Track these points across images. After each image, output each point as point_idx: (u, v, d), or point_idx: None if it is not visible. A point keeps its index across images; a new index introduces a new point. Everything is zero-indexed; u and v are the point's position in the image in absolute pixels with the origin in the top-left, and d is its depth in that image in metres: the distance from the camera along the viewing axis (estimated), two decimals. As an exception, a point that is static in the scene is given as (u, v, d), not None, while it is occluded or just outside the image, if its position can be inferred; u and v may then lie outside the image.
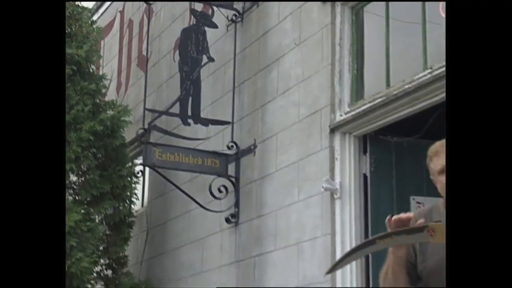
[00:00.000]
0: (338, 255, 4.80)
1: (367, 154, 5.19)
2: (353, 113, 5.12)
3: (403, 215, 2.98)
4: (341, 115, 5.22)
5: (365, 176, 5.15)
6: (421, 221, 2.96)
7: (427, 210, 3.25)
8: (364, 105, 5.06)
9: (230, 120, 6.20)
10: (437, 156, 3.11)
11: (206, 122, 6.37)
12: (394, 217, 2.98)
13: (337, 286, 4.92)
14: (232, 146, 6.14)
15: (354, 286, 4.91)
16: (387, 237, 3.09)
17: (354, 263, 4.84)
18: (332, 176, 5.13)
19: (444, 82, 4.45)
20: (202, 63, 6.49)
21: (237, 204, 6.07)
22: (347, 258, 3.25)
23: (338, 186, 5.09)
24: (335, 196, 5.10)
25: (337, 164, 5.16)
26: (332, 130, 5.22)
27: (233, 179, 6.12)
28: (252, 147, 6.02)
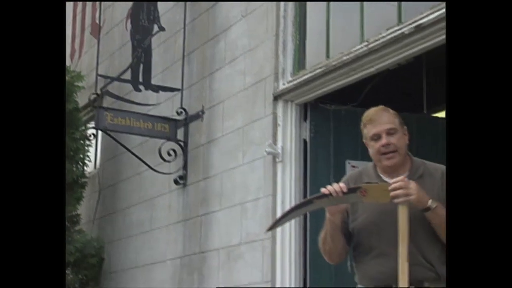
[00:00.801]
0: (279, 214, 4.85)
1: (307, 121, 5.23)
2: (295, 82, 5.17)
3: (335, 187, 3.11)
4: (284, 84, 5.27)
5: (305, 142, 5.20)
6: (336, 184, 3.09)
7: (358, 172, 3.36)
8: (305, 75, 5.11)
9: (179, 87, 6.20)
10: (370, 124, 3.22)
11: (157, 88, 6.37)
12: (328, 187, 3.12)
13: (277, 242, 5.02)
14: (181, 112, 6.16)
15: (293, 241, 5.00)
16: (323, 197, 3.21)
17: (293, 221, 4.96)
18: (275, 141, 5.19)
19: (379, 54, 4.59)
20: (153, 32, 6.47)
21: (185, 167, 6.11)
22: (286, 216, 3.38)
23: (280, 151, 5.16)
24: (277, 160, 5.17)
25: (279, 130, 5.22)
26: (275, 98, 5.28)
27: (182, 143, 6.15)
28: (200, 113, 6.05)
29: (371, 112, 3.26)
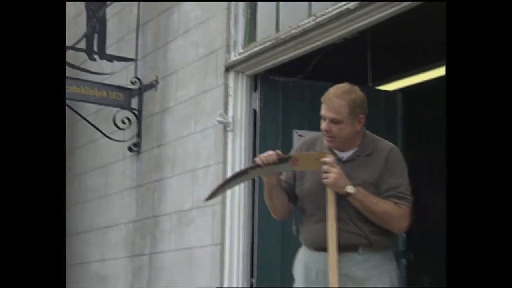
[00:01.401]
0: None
1: (257, 92, 5.26)
2: (245, 54, 5.20)
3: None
4: (235, 56, 5.30)
5: (254, 111, 5.25)
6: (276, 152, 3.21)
7: (313, 139, 3.42)
8: (255, 47, 5.14)
9: (134, 57, 6.19)
10: (323, 103, 3.27)
11: (111, 58, 6.34)
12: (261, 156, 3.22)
13: (227, 207, 5.09)
14: (135, 82, 6.15)
15: (242, 207, 5.09)
16: (257, 167, 3.31)
17: (242, 187, 5.04)
18: (226, 111, 5.23)
19: (325, 28, 4.65)
20: (108, 3, 6.42)
21: (139, 135, 6.12)
22: (223, 186, 3.45)
23: (230, 120, 5.21)
24: (227, 129, 5.22)
25: (230, 100, 5.26)
26: (227, 69, 5.30)
27: (136, 112, 6.15)
28: (154, 82, 6.06)
29: (330, 93, 3.26)
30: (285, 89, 5.29)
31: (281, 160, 3.22)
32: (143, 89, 6.17)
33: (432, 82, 6.71)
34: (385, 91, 5.92)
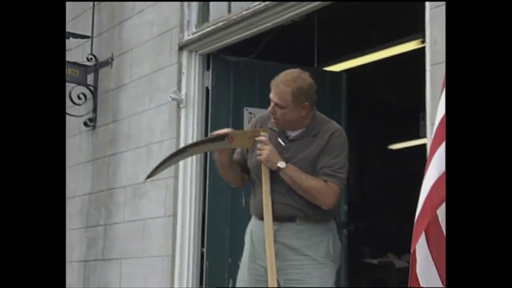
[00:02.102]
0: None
1: (210, 70, 5.29)
2: (199, 34, 5.23)
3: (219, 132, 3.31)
4: (188, 35, 5.32)
5: (207, 89, 5.28)
6: (224, 130, 3.31)
7: (267, 116, 3.47)
8: (208, 27, 5.18)
9: (90, 34, 6.16)
10: (272, 87, 3.35)
11: (68, 35, 6.26)
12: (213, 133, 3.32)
13: (179, 180, 5.14)
14: (91, 58, 6.13)
15: (194, 180, 5.14)
16: (195, 145, 3.39)
17: (194, 161, 5.09)
18: (179, 88, 5.25)
19: (274, 10, 4.70)
20: (65, -19, 6.37)
21: (94, 110, 6.10)
22: (163, 164, 3.47)
23: (184, 97, 5.23)
24: (181, 106, 5.24)
25: (184, 78, 5.28)
26: (181, 48, 5.32)
27: (92, 88, 6.13)
28: (110, 60, 6.04)
29: (279, 78, 3.30)
30: (236, 68, 5.33)
31: (218, 138, 3.30)
32: (98, 66, 6.14)
33: (374, 64, 6.84)
34: (330, 72, 6.02)
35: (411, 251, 2.42)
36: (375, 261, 7.09)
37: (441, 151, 2.37)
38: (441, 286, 2.43)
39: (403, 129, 8.18)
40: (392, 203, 8.34)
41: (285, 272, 3.27)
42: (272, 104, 3.28)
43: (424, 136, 3.71)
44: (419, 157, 3.88)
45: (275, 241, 3.22)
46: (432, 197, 2.34)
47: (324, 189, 3.24)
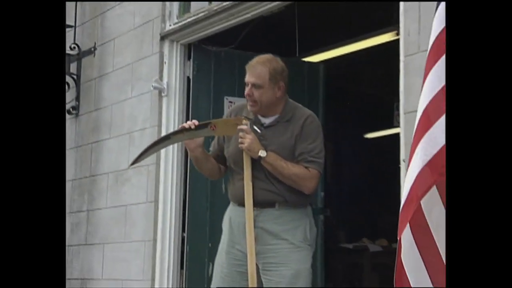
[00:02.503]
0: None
1: (191, 60, 5.30)
2: (180, 24, 5.24)
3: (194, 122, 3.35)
4: (170, 25, 5.33)
5: (188, 79, 5.29)
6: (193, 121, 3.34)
7: (240, 106, 3.58)
8: (189, 17, 5.18)
9: (73, 24, 6.14)
10: (247, 71, 3.43)
11: (51, 24, 6.26)
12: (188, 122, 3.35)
13: (161, 167, 5.15)
14: (74, 47, 6.11)
15: (175, 167, 5.16)
16: (179, 133, 3.42)
17: (175, 149, 5.12)
18: (161, 77, 5.26)
19: (254, 1, 4.72)
20: (48, -29, 6.32)
21: (77, 98, 6.10)
22: (147, 151, 3.51)
23: (165, 86, 5.24)
24: (162, 94, 5.25)
25: (165, 67, 5.29)
26: (162, 38, 5.33)
27: (75, 76, 6.12)
28: (92, 49, 6.04)
29: (254, 61, 3.43)
30: (217, 58, 5.35)
31: (200, 126, 3.34)
32: (81, 55, 6.13)
33: (351, 55, 6.89)
34: (309, 62, 6.06)
35: (398, 239, 2.45)
36: (350, 246, 7.17)
37: (424, 141, 2.37)
38: (426, 273, 2.45)
39: (379, 119, 8.26)
40: (367, 190, 8.42)
41: (264, 255, 3.33)
42: (249, 86, 3.35)
43: (398, 126, 3.76)
44: (393, 146, 3.94)
45: (255, 226, 3.28)
46: (417, 186, 2.35)
47: (305, 175, 3.32)
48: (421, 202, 2.40)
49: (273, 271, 3.32)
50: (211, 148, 3.59)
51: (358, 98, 8.49)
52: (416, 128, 2.42)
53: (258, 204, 3.31)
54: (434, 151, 2.31)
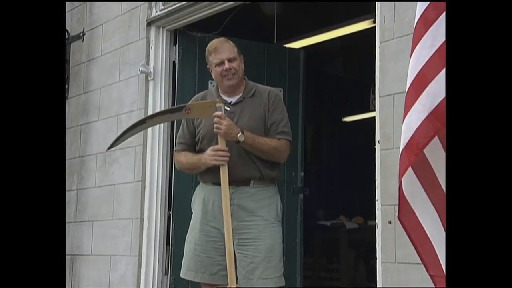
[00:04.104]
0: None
1: (176, 45, 5.28)
2: (166, 10, 5.21)
3: None
4: (156, 12, 5.30)
5: (174, 63, 5.27)
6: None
7: (204, 93, 3.65)
8: (175, 4, 5.15)
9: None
10: (214, 52, 3.47)
11: (41, 10, 6.20)
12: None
13: (148, 148, 5.13)
14: (64, 33, 6.09)
15: (161, 148, 5.14)
16: (154, 116, 3.40)
17: (162, 130, 5.09)
18: (148, 62, 5.24)
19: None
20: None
21: (67, 81, 6.06)
22: (124, 135, 3.46)
23: (152, 70, 5.22)
24: (149, 78, 5.23)
25: (152, 52, 5.27)
26: (149, 24, 5.31)
27: (64, 61, 6.07)
28: (81, 34, 6.00)
29: (215, 42, 3.54)
30: (201, 43, 5.28)
31: (175, 109, 3.33)
32: (70, 40, 6.09)
33: (331, 41, 6.88)
34: (289, 48, 6.04)
35: (398, 184, 2.45)
36: (328, 223, 7.21)
37: (425, 94, 2.34)
38: (432, 207, 2.43)
39: (356, 103, 8.27)
40: (345, 171, 8.46)
41: (240, 232, 3.36)
42: (225, 63, 3.40)
43: (374, 110, 3.77)
44: (369, 129, 3.96)
45: (230, 204, 3.29)
46: (419, 134, 2.34)
47: (281, 146, 3.43)
48: (424, 151, 2.40)
49: (249, 246, 3.36)
50: (179, 141, 3.59)
51: (337, 83, 8.50)
52: (409, 89, 2.39)
53: (234, 182, 3.33)
54: (435, 103, 2.32)
